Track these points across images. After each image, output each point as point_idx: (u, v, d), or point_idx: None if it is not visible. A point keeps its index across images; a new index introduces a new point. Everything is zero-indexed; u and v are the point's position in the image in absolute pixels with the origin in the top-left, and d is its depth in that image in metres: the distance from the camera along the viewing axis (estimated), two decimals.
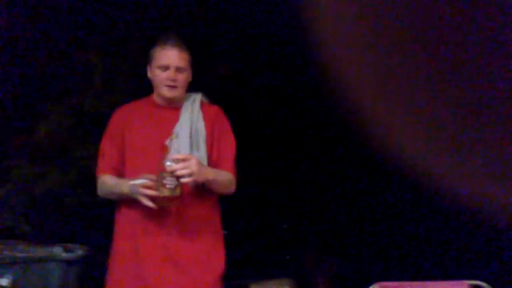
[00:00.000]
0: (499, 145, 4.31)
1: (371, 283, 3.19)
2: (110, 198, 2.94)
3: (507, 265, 5.27)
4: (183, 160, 2.65)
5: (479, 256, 5.66)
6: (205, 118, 2.93)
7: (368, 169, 6.05)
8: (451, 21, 4.13)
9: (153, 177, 2.64)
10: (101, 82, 5.92)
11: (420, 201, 5.83)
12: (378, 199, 6.31)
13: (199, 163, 2.72)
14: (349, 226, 6.48)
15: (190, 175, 2.65)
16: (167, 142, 2.81)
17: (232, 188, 2.94)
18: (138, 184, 2.66)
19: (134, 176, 2.76)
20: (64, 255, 3.59)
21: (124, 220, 2.87)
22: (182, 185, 2.66)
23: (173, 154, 2.70)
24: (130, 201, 2.77)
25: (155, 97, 2.96)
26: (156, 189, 2.63)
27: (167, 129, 2.85)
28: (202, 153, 2.84)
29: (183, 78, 2.89)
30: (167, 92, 2.88)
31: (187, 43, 2.95)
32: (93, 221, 5.45)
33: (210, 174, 2.79)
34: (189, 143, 2.81)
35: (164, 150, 2.77)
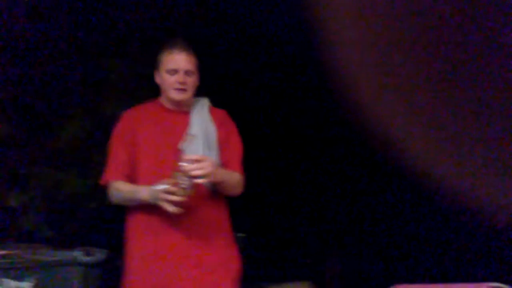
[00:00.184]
0: (499, 145, 4.22)
1: (388, 286, 3.07)
2: (124, 204, 2.85)
3: (507, 265, 5.18)
4: (199, 161, 2.58)
5: (479, 256, 5.58)
6: (215, 121, 2.86)
7: (369, 169, 5.98)
8: (451, 21, 4.04)
9: (170, 181, 2.57)
10: (120, 88, 5.88)
11: (423, 202, 5.75)
12: (379, 199, 6.23)
13: (214, 164, 2.65)
14: (357, 226, 6.39)
15: (205, 175, 2.58)
16: (181, 145, 2.73)
17: (239, 190, 2.86)
18: (160, 190, 2.57)
19: (148, 181, 2.67)
20: (85, 259, 3.47)
21: (138, 222, 2.77)
22: (195, 186, 2.59)
23: (188, 155, 2.63)
24: (144, 204, 2.69)
25: (163, 101, 2.87)
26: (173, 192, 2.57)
27: (179, 133, 2.77)
28: (214, 155, 2.77)
29: (192, 81, 2.80)
30: (176, 96, 2.79)
31: (193, 46, 2.88)
32: (112, 225, 5.40)
33: (223, 175, 2.71)
34: (202, 146, 2.74)
35: (178, 153, 2.69)
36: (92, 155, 5.73)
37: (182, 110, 2.83)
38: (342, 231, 6.44)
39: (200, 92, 2.96)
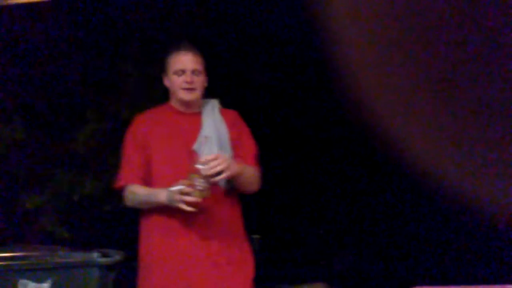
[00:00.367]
0: (499, 145, 4.12)
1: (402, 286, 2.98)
2: (139, 208, 2.77)
3: (507, 265, 5.09)
4: (214, 159, 2.50)
5: (479, 256, 5.50)
6: (226, 122, 2.78)
7: (378, 169, 5.92)
8: (451, 21, 3.94)
9: (186, 182, 2.48)
10: (136, 91, 5.81)
11: (428, 202, 5.68)
12: (388, 199, 6.15)
13: (228, 159, 2.57)
14: (369, 227, 6.31)
15: (222, 171, 2.50)
16: (194, 146, 2.65)
17: (256, 185, 2.76)
18: (176, 191, 2.48)
19: (163, 183, 2.57)
20: (102, 260, 3.37)
21: (153, 224, 2.67)
22: (210, 187, 2.51)
23: (203, 156, 2.55)
24: (158, 206, 2.61)
25: (173, 104, 2.78)
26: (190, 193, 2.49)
27: (191, 135, 2.67)
28: (228, 155, 2.68)
29: (199, 80, 2.71)
30: (185, 95, 2.69)
31: (200, 48, 2.81)
32: (129, 226, 5.36)
33: (239, 168, 2.62)
34: (216, 146, 2.66)
35: (192, 154, 2.61)
36: (107, 158, 5.65)
37: (193, 112, 2.74)
38: (355, 231, 6.35)
39: (209, 93, 2.89)
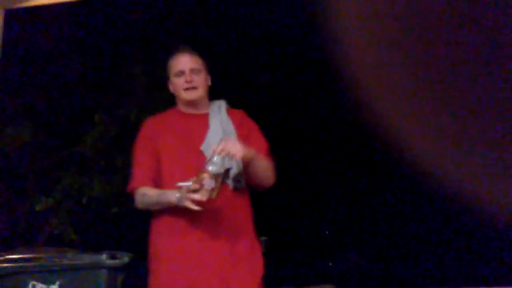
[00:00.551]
0: (499, 145, 4.08)
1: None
2: (151, 209, 2.74)
3: (507, 265, 5.06)
4: (221, 148, 2.46)
5: (479, 256, 5.47)
6: (233, 122, 2.75)
7: (373, 170, 5.89)
8: (451, 21, 3.91)
9: (195, 179, 2.45)
10: (144, 94, 5.79)
11: (430, 203, 5.65)
12: (384, 200, 6.13)
13: (237, 141, 2.53)
14: (377, 228, 6.28)
15: (237, 151, 2.46)
16: (202, 147, 2.62)
17: (271, 178, 2.70)
18: (184, 188, 2.46)
19: (173, 185, 2.56)
20: (111, 262, 3.33)
21: (163, 225, 2.64)
22: (219, 187, 2.47)
23: (213, 147, 2.51)
24: (169, 207, 2.59)
25: (180, 107, 2.77)
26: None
27: (198, 136, 2.64)
28: (239, 161, 2.65)
29: (200, 79, 2.68)
30: (187, 95, 2.67)
31: (207, 49, 2.80)
32: (137, 228, 5.34)
33: (252, 153, 2.59)
34: None
35: (200, 155, 2.59)
36: (116, 160, 5.65)
37: (199, 113, 2.72)
38: (361, 233, 6.32)
39: (214, 94, 2.87)
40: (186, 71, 2.70)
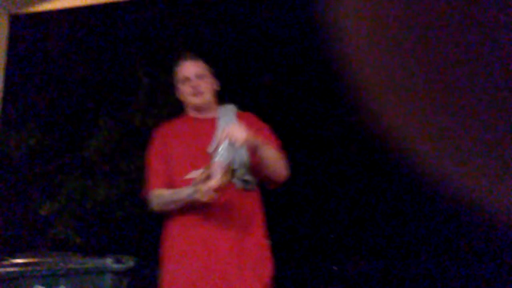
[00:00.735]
0: (499, 145, 4.05)
1: None
2: (166, 210, 2.74)
3: (507, 265, 5.04)
4: (226, 134, 2.45)
5: (479, 256, 5.45)
6: (243, 123, 2.75)
7: (378, 174, 5.87)
8: (451, 21, 3.88)
9: (202, 170, 2.44)
10: (148, 99, 5.78)
11: (436, 207, 5.63)
12: (389, 204, 6.10)
13: (240, 125, 2.52)
14: (381, 231, 6.25)
15: (239, 134, 2.44)
16: (209, 148, 2.62)
17: (284, 168, 2.66)
18: (196, 182, 2.45)
19: (184, 185, 2.58)
20: (116, 266, 3.33)
21: (175, 226, 2.65)
22: (229, 176, 2.44)
23: (219, 135, 2.48)
24: (182, 209, 2.59)
25: (189, 112, 2.79)
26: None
27: (208, 140, 2.67)
28: (244, 155, 2.64)
29: (205, 83, 2.67)
30: (194, 100, 2.66)
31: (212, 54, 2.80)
32: (142, 232, 5.32)
33: (258, 139, 2.57)
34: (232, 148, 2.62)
35: (208, 157, 2.58)
36: (120, 165, 5.68)
37: (209, 117, 2.72)
38: (366, 237, 6.30)
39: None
40: (191, 77, 2.70)
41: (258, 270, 2.58)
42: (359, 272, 6.17)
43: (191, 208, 2.48)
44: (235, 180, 2.52)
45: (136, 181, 5.27)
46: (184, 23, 5.79)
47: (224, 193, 2.40)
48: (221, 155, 2.36)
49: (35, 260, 3.54)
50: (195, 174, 2.39)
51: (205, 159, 2.54)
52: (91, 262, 3.44)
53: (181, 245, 2.61)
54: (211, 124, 2.68)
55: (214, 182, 2.35)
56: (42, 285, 3.35)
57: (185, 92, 2.69)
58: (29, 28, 5.74)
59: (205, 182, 2.35)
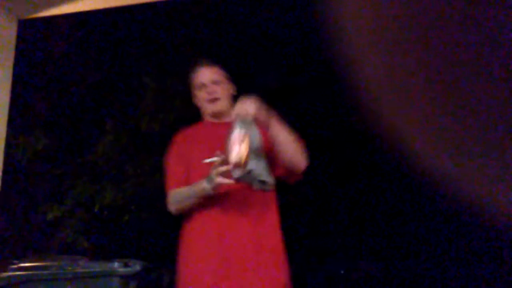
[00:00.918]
0: (499, 145, 4.05)
1: None
2: (183, 208, 2.75)
3: (507, 265, 5.02)
4: (238, 109, 2.47)
5: (479, 257, 5.42)
6: (260, 126, 2.76)
7: (385, 180, 5.85)
8: (451, 21, 3.88)
9: (219, 152, 2.44)
10: (154, 103, 5.76)
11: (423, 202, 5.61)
12: (395, 210, 6.08)
13: (255, 99, 2.52)
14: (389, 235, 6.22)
15: (250, 107, 2.44)
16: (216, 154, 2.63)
17: (301, 155, 2.64)
18: (213, 168, 2.44)
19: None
20: (123, 270, 3.34)
21: (193, 228, 2.67)
22: (246, 153, 2.42)
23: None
24: (199, 210, 2.59)
25: (206, 118, 2.81)
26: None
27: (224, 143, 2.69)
28: (259, 155, 2.65)
29: (221, 89, 2.68)
30: (211, 107, 2.68)
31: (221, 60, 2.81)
32: (148, 236, 5.31)
33: (269, 115, 2.56)
34: (249, 148, 2.62)
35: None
36: (127, 169, 5.68)
37: (226, 122, 2.74)
38: (372, 242, 6.28)
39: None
40: (207, 83, 2.72)
41: (274, 273, 2.57)
42: (359, 273, 6.16)
43: (207, 208, 2.47)
44: (252, 181, 2.52)
45: (143, 185, 5.33)
46: (191, 28, 5.82)
47: (241, 186, 2.40)
48: (235, 131, 2.36)
49: (43, 264, 3.55)
50: (213, 159, 2.38)
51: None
52: (99, 266, 3.44)
53: (198, 248, 2.61)
54: (228, 128, 2.68)
55: (234, 154, 2.34)
56: None
57: (202, 98, 2.69)
58: (36, 33, 5.78)
59: (220, 163, 2.33)
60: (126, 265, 3.41)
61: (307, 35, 5.37)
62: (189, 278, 2.57)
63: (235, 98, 2.73)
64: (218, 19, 5.82)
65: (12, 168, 5.90)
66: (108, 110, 5.91)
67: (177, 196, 2.60)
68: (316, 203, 6.10)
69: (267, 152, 2.51)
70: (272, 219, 2.64)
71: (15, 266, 3.50)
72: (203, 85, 2.68)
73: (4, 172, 2.83)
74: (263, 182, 2.50)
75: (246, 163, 2.30)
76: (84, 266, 3.49)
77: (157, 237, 4.59)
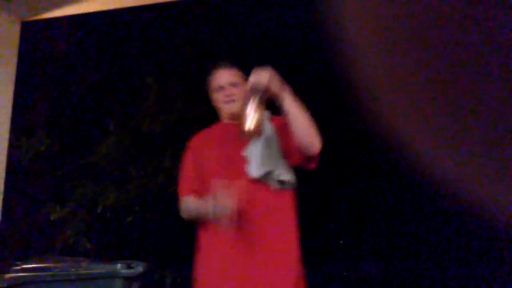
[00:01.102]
0: (499, 145, 4.05)
1: None
2: (194, 219, 2.75)
3: (507, 265, 5.00)
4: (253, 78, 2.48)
5: (479, 257, 5.41)
6: (276, 127, 2.76)
7: (388, 180, 5.84)
8: (451, 21, 3.88)
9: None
10: (156, 104, 5.74)
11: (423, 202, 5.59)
12: (398, 210, 6.07)
13: (268, 70, 2.53)
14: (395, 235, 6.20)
15: (262, 77, 2.37)
16: (245, 153, 2.63)
17: (315, 135, 2.62)
18: (216, 196, 2.44)
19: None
20: (126, 271, 3.33)
21: (208, 237, 2.67)
22: (260, 113, 2.36)
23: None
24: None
25: (223, 120, 2.83)
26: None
27: (242, 143, 2.69)
28: (274, 153, 2.64)
29: (239, 91, 2.69)
30: (228, 108, 2.69)
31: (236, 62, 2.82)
32: (151, 237, 5.30)
33: (282, 87, 2.56)
34: (261, 145, 2.63)
35: (242, 160, 2.60)
36: (129, 170, 5.66)
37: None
38: (376, 242, 6.26)
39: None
40: (225, 85, 2.74)
41: (284, 273, 2.56)
42: (359, 273, 6.15)
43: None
44: (271, 182, 2.53)
45: (145, 187, 5.32)
46: (192, 29, 5.82)
47: (258, 187, 2.40)
48: (249, 101, 2.37)
49: (46, 265, 3.55)
50: (219, 185, 2.37)
51: (239, 162, 2.55)
52: (101, 267, 3.43)
53: (214, 260, 2.60)
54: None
55: (249, 121, 2.34)
56: None
57: (219, 100, 2.70)
58: (39, 35, 5.79)
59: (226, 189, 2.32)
60: (129, 267, 3.40)
61: (307, 35, 5.37)
62: (206, 283, 2.57)
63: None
64: (220, 20, 5.82)
65: (14, 169, 5.91)
66: (110, 111, 5.91)
67: (188, 208, 2.62)
68: (316, 203, 6.09)
69: (281, 138, 2.53)
70: (288, 219, 2.63)
71: (17, 267, 3.50)
72: (221, 87, 2.69)
73: (6, 173, 2.83)
74: (282, 182, 2.51)
75: (261, 129, 2.37)
76: (86, 267, 3.47)
77: (159, 239, 4.58)
